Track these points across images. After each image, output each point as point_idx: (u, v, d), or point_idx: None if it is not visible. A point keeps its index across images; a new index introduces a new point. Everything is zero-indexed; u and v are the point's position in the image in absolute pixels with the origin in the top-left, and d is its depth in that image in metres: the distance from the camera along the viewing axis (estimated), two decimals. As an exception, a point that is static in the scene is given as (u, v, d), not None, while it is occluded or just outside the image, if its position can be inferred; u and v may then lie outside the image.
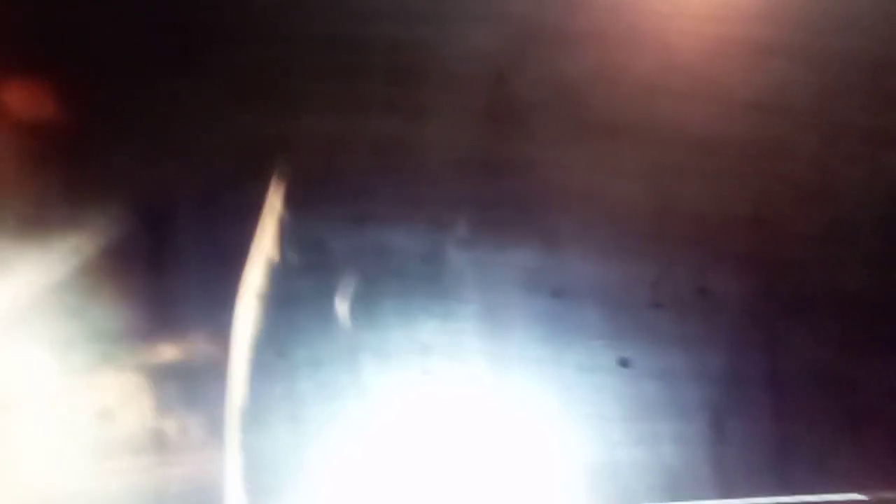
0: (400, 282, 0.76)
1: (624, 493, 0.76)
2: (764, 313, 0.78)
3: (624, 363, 0.76)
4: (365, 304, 0.75)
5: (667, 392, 0.77)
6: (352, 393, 0.74)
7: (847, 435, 0.77)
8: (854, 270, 0.79)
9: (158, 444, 0.73)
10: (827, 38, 0.79)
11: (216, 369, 0.73)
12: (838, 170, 0.80)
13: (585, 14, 0.79)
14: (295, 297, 0.75)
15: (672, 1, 0.79)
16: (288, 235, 0.75)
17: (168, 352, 0.74)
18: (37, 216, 0.73)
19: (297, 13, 0.77)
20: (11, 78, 0.75)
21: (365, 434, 0.74)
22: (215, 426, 0.73)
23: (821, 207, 0.80)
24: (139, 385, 0.73)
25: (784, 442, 0.77)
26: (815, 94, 0.80)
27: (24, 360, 0.73)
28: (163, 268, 0.74)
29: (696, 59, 0.79)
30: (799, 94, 0.79)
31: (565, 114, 0.78)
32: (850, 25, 0.79)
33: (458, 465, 0.75)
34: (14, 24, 0.75)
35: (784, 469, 0.77)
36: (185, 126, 0.76)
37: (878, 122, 0.80)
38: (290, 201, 0.76)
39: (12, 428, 0.72)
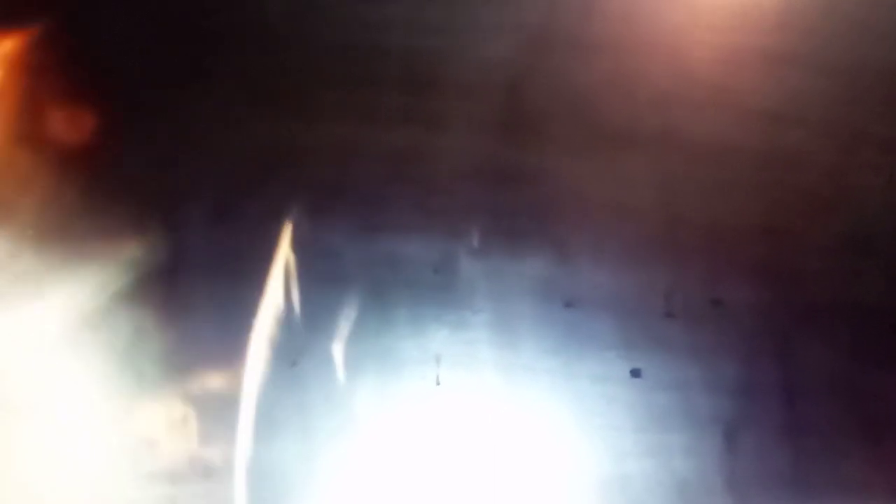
0: (412, 291, 0.76)
1: (635, 505, 0.76)
2: (777, 324, 0.77)
3: (636, 374, 0.76)
4: (377, 313, 0.75)
5: (679, 403, 0.76)
6: (363, 403, 0.75)
7: (862, 447, 0.77)
8: (870, 281, 0.78)
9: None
10: (842, 46, 0.79)
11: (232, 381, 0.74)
12: (854, 179, 0.79)
13: (599, 23, 0.78)
14: (306, 306, 0.75)
15: (686, 10, 0.79)
16: (300, 244, 0.75)
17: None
18: (57, 226, 0.74)
19: (311, 22, 0.78)
20: (22, 87, 0.76)
21: (376, 444, 0.74)
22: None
23: (836, 217, 0.79)
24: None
25: (798, 454, 0.76)
26: (831, 103, 0.79)
27: (68, 386, 0.73)
28: (176, 275, 0.75)
29: (710, 68, 0.79)
30: (814, 104, 0.79)
31: (579, 123, 0.78)
32: (866, 34, 0.79)
33: (468, 475, 0.75)
34: (24, 31, 0.76)
35: (798, 482, 0.76)
36: (199, 134, 0.76)
37: (894, 131, 0.79)
38: (303, 210, 0.76)
39: (56, 454, 0.72)
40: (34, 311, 0.73)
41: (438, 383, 0.75)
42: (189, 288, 0.75)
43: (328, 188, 0.77)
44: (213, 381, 0.74)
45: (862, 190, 0.79)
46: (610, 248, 0.77)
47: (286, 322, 0.74)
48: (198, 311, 0.75)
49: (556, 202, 0.77)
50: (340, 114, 0.77)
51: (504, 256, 0.76)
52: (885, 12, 0.78)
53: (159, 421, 0.73)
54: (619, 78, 0.79)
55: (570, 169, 0.78)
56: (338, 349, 0.75)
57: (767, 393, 0.77)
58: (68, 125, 0.76)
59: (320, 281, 0.75)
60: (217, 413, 0.73)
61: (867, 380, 0.77)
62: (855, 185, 0.79)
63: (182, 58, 0.77)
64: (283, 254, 0.75)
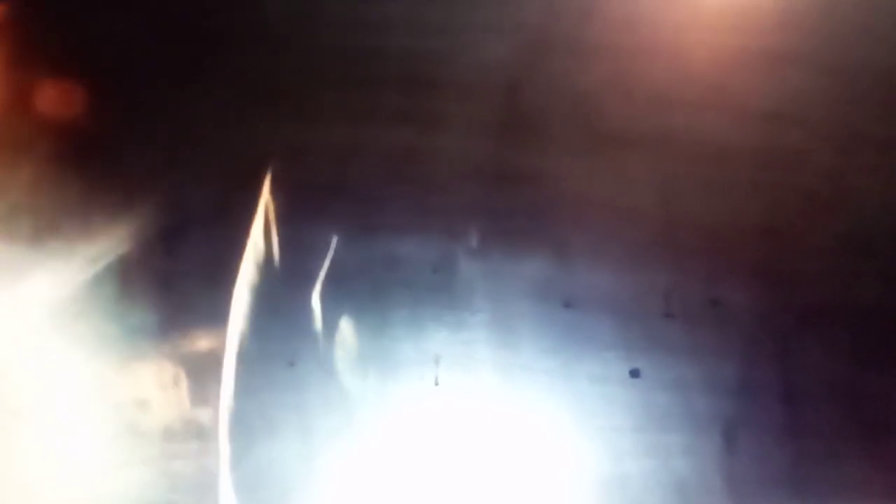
0: (411, 291, 0.76)
1: (634, 505, 0.76)
2: (777, 325, 0.77)
3: (635, 374, 0.76)
4: (376, 313, 0.75)
5: (678, 403, 0.76)
6: (362, 403, 0.75)
7: (861, 447, 0.77)
8: (868, 282, 0.78)
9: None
10: (842, 47, 0.79)
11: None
12: (853, 180, 0.79)
13: (599, 25, 0.78)
14: (304, 306, 0.75)
15: (686, 12, 0.79)
16: (298, 243, 0.75)
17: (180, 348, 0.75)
18: (52, 220, 0.74)
19: (311, 23, 0.78)
20: (27, 86, 0.76)
21: (375, 444, 0.74)
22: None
23: (835, 218, 0.79)
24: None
25: (797, 454, 0.76)
26: (830, 104, 0.79)
27: (62, 355, 0.74)
28: (176, 272, 0.75)
29: (710, 69, 0.79)
30: (814, 104, 0.79)
31: (578, 124, 0.78)
32: (865, 36, 0.79)
33: (468, 475, 0.75)
34: (31, 32, 0.76)
35: (797, 481, 0.76)
36: (198, 133, 0.77)
37: (893, 132, 0.79)
38: (301, 209, 0.76)
39: (53, 417, 0.73)
40: (26, 291, 0.74)
41: (437, 384, 0.75)
42: (186, 289, 0.75)
43: (327, 188, 0.77)
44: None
45: (860, 191, 0.79)
46: (609, 249, 0.77)
47: (283, 323, 0.75)
48: (197, 313, 0.75)
49: (555, 203, 0.77)
50: (339, 114, 0.78)
51: (503, 257, 0.76)
52: (883, 14, 0.79)
53: (152, 384, 0.74)
54: (619, 79, 0.79)
55: (569, 170, 0.78)
56: (336, 350, 0.75)
57: (766, 393, 0.77)
58: (68, 125, 0.76)
59: (317, 281, 0.75)
60: (208, 375, 0.74)
61: (865, 381, 0.77)
62: (854, 187, 0.79)
63: (182, 58, 0.77)
64: (278, 253, 0.75)
